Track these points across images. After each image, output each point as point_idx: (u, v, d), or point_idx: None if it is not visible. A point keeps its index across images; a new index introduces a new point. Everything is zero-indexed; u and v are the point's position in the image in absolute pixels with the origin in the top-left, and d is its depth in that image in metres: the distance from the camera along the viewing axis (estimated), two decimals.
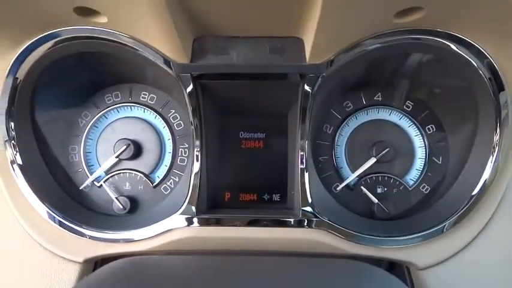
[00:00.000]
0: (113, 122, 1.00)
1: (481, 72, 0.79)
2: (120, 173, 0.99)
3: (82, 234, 0.86)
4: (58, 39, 0.80)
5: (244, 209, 0.94)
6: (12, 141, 0.86)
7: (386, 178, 0.97)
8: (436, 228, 0.84)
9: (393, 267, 0.92)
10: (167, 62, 0.82)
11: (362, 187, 0.97)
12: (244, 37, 0.81)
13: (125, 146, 0.96)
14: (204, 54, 0.82)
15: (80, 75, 0.95)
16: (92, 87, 1.00)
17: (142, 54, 0.81)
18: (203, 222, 0.86)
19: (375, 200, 0.94)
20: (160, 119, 1.00)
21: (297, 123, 0.88)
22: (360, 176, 0.97)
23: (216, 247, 0.86)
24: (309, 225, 0.85)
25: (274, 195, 0.99)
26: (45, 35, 0.80)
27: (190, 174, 0.88)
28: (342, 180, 0.98)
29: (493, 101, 0.81)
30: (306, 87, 0.84)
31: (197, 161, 0.88)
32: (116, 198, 0.96)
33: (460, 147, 0.93)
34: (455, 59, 0.80)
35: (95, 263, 0.89)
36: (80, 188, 0.98)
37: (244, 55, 0.81)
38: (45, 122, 0.93)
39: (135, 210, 0.98)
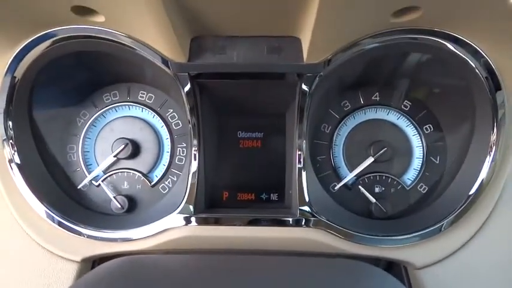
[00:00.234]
0: (111, 121, 1.00)
1: (477, 71, 0.79)
2: (118, 172, 0.99)
3: (80, 234, 0.86)
4: (56, 38, 0.80)
5: (242, 209, 0.95)
6: (10, 140, 0.86)
7: (384, 177, 0.97)
8: (433, 228, 0.84)
9: (391, 266, 0.92)
10: (165, 61, 0.82)
11: (360, 186, 0.97)
12: (242, 36, 0.81)
13: (123, 145, 0.96)
14: (201, 54, 0.82)
15: (78, 75, 0.95)
16: (90, 87, 1.00)
17: (140, 54, 0.81)
18: (201, 222, 0.86)
19: (373, 200, 0.94)
20: (159, 118, 1.00)
21: (294, 123, 0.88)
22: (358, 176, 0.97)
23: (213, 246, 0.86)
24: (307, 225, 0.85)
25: (272, 194, 0.99)
26: (42, 34, 0.80)
27: (188, 174, 0.88)
28: (339, 179, 0.98)
29: (490, 100, 0.81)
30: (304, 87, 0.84)
31: (195, 160, 0.88)
32: (114, 197, 0.96)
33: (457, 147, 0.93)
34: (452, 58, 0.80)
35: (93, 262, 0.89)
36: (78, 187, 0.98)
37: (241, 54, 0.81)
38: (43, 121, 0.93)
39: (133, 210, 0.98)
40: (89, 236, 0.86)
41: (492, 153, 0.83)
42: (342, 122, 0.99)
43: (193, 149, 0.88)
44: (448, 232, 0.85)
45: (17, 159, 0.86)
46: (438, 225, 0.84)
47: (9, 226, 0.86)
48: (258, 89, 0.91)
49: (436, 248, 0.84)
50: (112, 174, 0.99)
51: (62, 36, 0.80)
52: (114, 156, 0.96)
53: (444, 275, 0.83)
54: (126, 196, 0.97)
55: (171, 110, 1.00)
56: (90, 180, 0.98)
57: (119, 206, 0.95)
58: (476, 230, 0.84)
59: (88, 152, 1.00)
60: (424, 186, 0.97)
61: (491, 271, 0.83)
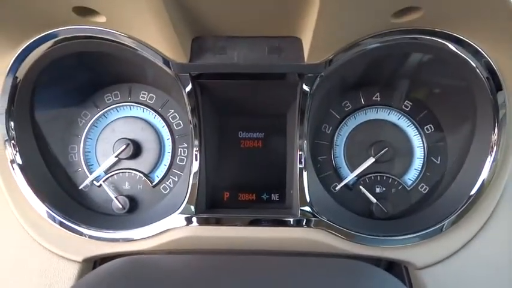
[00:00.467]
0: (112, 121, 1.00)
1: (478, 71, 0.79)
2: (120, 172, 0.99)
3: (81, 234, 0.86)
4: (57, 38, 0.81)
5: (243, 209, 0.95)
6: (12, 141, 0.86)
7: (385, 178, 0.97)
8: (434, 228, 0.84)
9: (392, 266, 0.92)
10: (166, 61, 0.82)
11: (361, 187, 0.97)
12: (243, 37, 0.82)
13: (124, 146, 0.96)
14: (202, 54, 0.82)
15: (80, 75, 0.95)
16: (91, 87, 1.00)
17: (141, 54, 0.81)
18: (202, 222, 0.86)
19: (374, 200, 0.94)
20: (160, 118, 1.00)
21: (295, 123, 0.88)
22: (359, 176, 0.97)
23: (214, 246, 0.86)
24: (308, 225, 0.85)
25: (273, 194, 0.99)
26: (44, 35, 0.80)
27: (189, 174, 0.88)
28: (340, 180, 0.98)
29: (491, 100, 0.81)
30: (305, 87, 0.84)
31: (196, 160, 0.88)
32: (115, 197, 0.96)
33: (458, 147, 0.93)
34: (453, 58, 0.80)
35: (94, 262, 0.89)
36: (80, 188, 0.98)
37: (242, 55, 0.81)
38: (45, 122, 0.93)
39: (134, 210, 0.98)
40: (90, 236, 0.86)
41: (493, 154, 0.83)
42: (343, 122, 0.99)
43: (195, 149, 0.88)
44: (449, 232, 0.84)
45: (19, 160, 0.86)
46: (439, 225, 0.84)
47: (11, 226, 0.86)
48: (259, 89, 0.91)
49: (437, 248, 0.84)
50: (113, 175, 0.99)
51: (64, 36, 0.80)
52: (116, 157, 0.96)
53: (445, 275, 0.83)
54: (128, 196, 0.97)
55: (172, 110, 1.00)
56: (92, 181, 0.98)
57: (120, 206, 0.95)
58: (477, 230, 0.84)
59: (89, 152, 1.00)
60: (425, 187, 0.97)
61: (492, 271, 0.83)
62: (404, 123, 0.99)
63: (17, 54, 0.82)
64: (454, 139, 0.94)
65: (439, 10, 0.71)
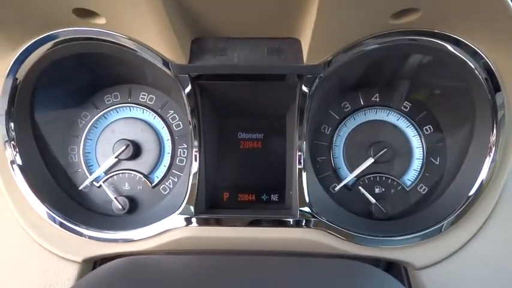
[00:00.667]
0: (112, 122, 1.00)
1: (477, 73, 0.80)
2: (119, 173, 0.99)
3: (81, 234, 0.87)
4: (57, 40, 0.81)
5: (242, 209, 0.95)
6: (12, 142, 0.86)
7: (384, 178, 0.98)
8: (433, 228, 0.84)
9: (391, 267, 0.93)
10: (165, 62, 0.82)
11: (360, 187, 0.97)
12: (242, 38, 0.82)
13: (124, 147, 0.96)
14: (202, 55, 0.82)
15: (79, 76, 0.95)
16: (91, 88, 1.00)
17: (140, 55, 0.82)
18: (201, 222, 0.86)
19: (373, 200, 0.95)
20: (159, 119, 1.00)
21: (295, 124, 0.88)
22: (358, 177, 0.98)
23: (214, 247, 0.86)
24: (307, 226, 0.85)
25: (272, 195, 0.99)
26: (44, 36, 0.80)
27: (189, 175, 0.88)
28: (340, 180, 0.98)
29: (490, 101, 0.81)
30: (304, 88, 0.84)
31: (196, 161, 0.88)
32: (115, 198, 0.96)
33: (457, 148, 0.93)
34: (452, 60, 0.80)
35: (94, 263, 0.89)
36: (80, 188, 0.99)
37: (242, 56, 0.81)
38: (44, 123, 0.93)
39: (134, 210, 0.98)
40: (90, 237, 0.86)
41: (492, 154, 0.83)
42: (342, 123, 1.00)
43: (194, 150, 0.88)
44: (448, 233, 0.85)
45: (19, 161, 0.87)
46: (438, 225, 0.84)
47: (11, 227, 0.86)
48: (259, 90, 0.91)
49: (436, 249, 0.84)
50: (113, 175, 0.99)
51: (64, 38, 0.80)
52: (115, 157, 0.96)
53: (444, 275, 0.83)
54: (127, 197, 0.97)
55: (172, 111, 1.01)
56: (92, 181, 0.99)
57: (120, 207, 0.95)
58: (476, 230, 0.84)
59: (89, 153, 1.00)
60: (424, 187, 0.98)
61: (491, 271, 0.83)
62: (403, 123, 0.99)
63: (17, 56, 0.82)
64: (453, 140, 0.95)
65: (437, 11, 0.71)
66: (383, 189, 0.98)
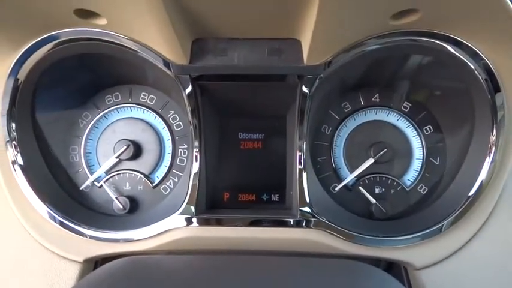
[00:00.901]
0: (113, 122, 1.01)
1: (477, 73, 0.80)
2: (120, 173, 0.99)
3: (82, 234, 0.87)
4: (58, 41, 0.81)
5: (243, 209, 0.95)
6: (13, 142, 0.86)
7: (384, 179, 0.98)
8: (433, 229, 0.84)
9: (391, 267, 0.93)
10: (166, 63, 0.82)
11: (360, 187, 0.97)
12: (243, 39, 0.82)
13: (125, 147, 0.96)
14: (202, 56, 0.82)
15: (80, 77, 0.96)
16: (92, 88, 1.00)
17: (141, 56, 0.82)
18: (202, 222, 0.86)
19: (373, 201, 0.95)
20: (160, 119, 1.01)
21: (295, 124, 0.88)
22: (358, 177, 0.98)
23: (214, 247, 0.86)
24: (308, 226, 0.86)
25: (273, 195, 0.99)
26: (45, 37, 0.80)
27: (190, 175, 0.88)
28: (340, 180, 0.98)
29: (489, 102, 0.81)
30: (304, 89, 0.84)
31: (196, 161, 0.88)
32: (115, 198, 0.96)
33: (457, 148, 0.93)
34: (451, 60, 0.81)
35: (95, 263, 0.90)
36: (80, 188, 0.99)
37: (242, 56, 0.82)
38: (46, 123, 0.93)
39: (135, 210, 0.98)
40: (91, 237, 0.87)
41: (492, 154, 0.83)
42: (342, 123, 1.00)
43: (195, 150, 0.88)
44: (448, 233, 0.85)
45: (20, 161, 0.87)
46: (438, 226, 0.84)
47: (12, 227, 0.87)
48: (259, 90, 0.91)
49: (436, 249, 0.85)
50: (114, 175, 0.99)
51: (65, 38, 0.81)
52: (116, 158, 0.96)
53: (444, 275, 0.84)
54: (128, 197, 0.97)
55: (173, 112, 1.01)
56: (93, 181, 0.99)
57: (121, 207, 0.96)
58: (476, 230, 0.84)
59: (90, 153, 1.01)
60: (424, 187, 0.98)
61: (491, 271, 0.83)
62: (403, 124, 0.99)
63: (18, 56, 0.82)
64: (453, 140, 0.95)
65: (437, 12, 0.71)
66: (383, 190, 0.98)
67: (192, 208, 0.87)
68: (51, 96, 0.93)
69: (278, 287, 0.60)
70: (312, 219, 0.86)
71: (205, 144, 0.90)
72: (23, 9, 0.72)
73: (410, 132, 0.99)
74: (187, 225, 0.86)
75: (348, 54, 0.80)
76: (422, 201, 0.96)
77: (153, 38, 0.77)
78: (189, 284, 0.61)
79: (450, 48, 0.79)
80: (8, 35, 0.78)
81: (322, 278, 0.64)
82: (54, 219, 0.87)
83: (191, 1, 0.69)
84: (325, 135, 1.00)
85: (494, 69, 0.79)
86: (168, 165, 1.00)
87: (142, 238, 0.86)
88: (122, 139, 0.97)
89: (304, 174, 0.88)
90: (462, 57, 0.79)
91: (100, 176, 0.99)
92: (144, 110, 1.01)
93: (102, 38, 0.80)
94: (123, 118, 1.01)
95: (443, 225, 0.84)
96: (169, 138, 1.01)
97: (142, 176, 0.99)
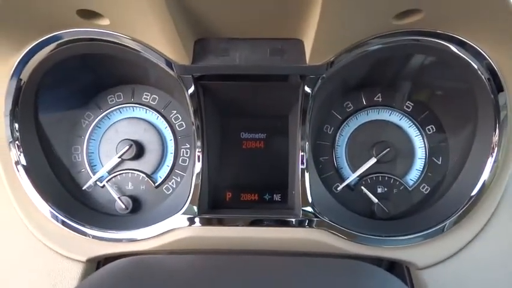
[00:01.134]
0: (115, 122, 1.01)
1: (480, 73, 0.80)
2: (123, 173, 1.00)
3: (85, 234, 0.87)
4: (61, 41, 0.81)
5: (245, 209, 0.95)
6: (16, 142, 0.87)
7: (386, 178, 0.98)
8: (436, 228, 0.84)
9: (393, 266, 0.93)
10: (169, 63, 0.82)
11: (362, 187, 0.97)
12: (245, 39, 0.82)
13: (127, 147, 0.96)
14: (205, 56, 0.82)
15: (83, 77, 0.96)
16: (94, 88, 1.00)
17: (144, 56, 0.82)
18: (205, 222, 0.87)
19: (375, 200, 0.95)
20: (162, 119, 1.01)
21: (297, 124, 0.88)
22: (360, 176, 0.98)
23: (217, 247, 0.87)
24: (310, 225, 0.86)
25: (275, 195, 0.99)
26: (48, 37, 0.81)
27: (192, 175, 0.89)
28: (342, 180, 0.99)
29: (492, 101, 0.81)
30: (306, 89, 0.84)
31: (198, 161, 0.88)
32: (118, 198, 0.96)
33: (459, 148, 0.93)
34: (455, 60, 0.81)
35: (98, 263, 0.90)
36: (83, 188, 0.99)
37: (245, 56, 0.82)
38: (48, 123, 0.94)
39: (137, 210, 0.99)
40: (94, 237, 0.87)
41: (494, 154, 0.83)
42: (345, 123, 1.00)
43: (197, 150, 0.89)
44: (451, 232, 0.85)
45: (23, 161, 0.87)
46: (441, 225, 0.84)
47: (15, 226, 0.87)
48: (261, 90, 0.91)
49: (439, 249, 0.85)
50: (116, 175, 1.00)
51: (67, 39, 0.81)
52: (119, 157, 0.97)
53: (446, 275, 0.84)
54: (131, 197, 0.97)
55: (175, 111, 1.01)
56: (95, 181, 0.99)
57: (123, 207, 0.96)
58: (479, 230, 0.84)
59: (92, 153, 1.01)
60: (426, 187, 0.98)
61: (493, 271, 0.83)
62: (406, 123, 0.99)
63: (21, 57, 0.82)
64: (456, 140, 0.95)
65: (439, 12, 0.71)
66: (385, 189, 0.98)
67: (195, 208, 0.87)
68: (53, 97, 0.94)
69: (280, 287, 0.61)
70: (314, 219, 0.86)
71: (207, 144, 0.90)
72: (26, 10, 0.72)
73: (413, 131, 0.99)
74: (190, 225, 0.86)
75: (351, 54, 0.80)
76: (425, 201, 0.96)
77: (156, 38, 0.77)
78: (192, 284, 0.61)
79: (453, 48, 0.79)
80: (11, 36, 0.79)
81: (325, 278, 0.64)
82: (56, 219, 0.87)
83: (193, 1, 0.69)
84: (327, 134, 1.00)
85: (497, 69, 0.79)
86: (170, 165, 1.00)
87: (145, 238, 0.86)
88: (124, 139, 0.97)
89: (307, 174, 0.88)
90: (465, 57, 0.79)
91: (102, 176, 0.99)
92: (147, 110, 1.01)
93: (104, 38, 0.81)
94: (125, 118, 1.01)
95: (445, 225, 0.84)
96: (172, 138, 1.01)
97: (144, 175, 1.00)
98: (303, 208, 0.86)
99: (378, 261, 0.90)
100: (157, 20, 0.71)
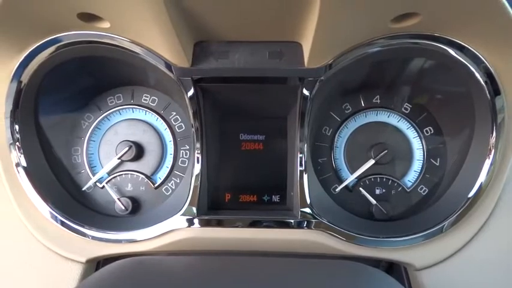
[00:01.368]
0: (115, 124, 1.01)
1: (477, 76, 0.80)
2: (122, 174, 1.00)
3: (84, 235, 0.87)
4: (61, 43, 0.81)
5: (244, 210, 0.96)
6: (17, 144, 0.87)
7: (384, 180, 0.98)
8: (434, 229, 0.85)
9: (391, 267, 0.93)
10: (168, 66, 0.83)
11: (361, 188, 0.98)
12: (244, 41, 0.82)
13: (127, 148, 0.97)
14: (204, 58, 0.83)
15: (83, 79, 0.96)
16: (94, 90, 1.01)
17: (143, 58, 0.82)
18: (204, 223, 0.87)
19: (373, 201, 0.95)
20: (162, 121, 1.01)
21: (296, 126, 0.89)
22: (359, 178, 0.98)
23: (216, 248, 0.87)
24: (308, 227, 0.86)
25: (274, 196, 1.00)
26: (48, 40, 0.81)
27: (191, 176, 0.89)
28: (340, 181, 0.99)
29: (489, 104, 0.81)
30: (305, 91, 0.85)
31: (198, 162, 0.89)
32: (118, 199, 0.97)
33: (457, 150, 0.93)
34: (452, 63, 0.81)
35: (98, 263, 0.90)
36: (83, 189, 1.00)
37: (244, 59, 0.82)
38: (48, 125, 0.94)
39: (136, 211, 0.99)
40: (93, 237, 0.87)
41: (491, 156, 0.83)
42: (343, 125, 1.00)
43: (196, 151, 0.89)
44: (448, 234, 0.85)
45: (24, 162, 0.87)
46: (438, 226, 0.85)
47: (16, 227, 0.87)
48: (260, 93, 0.91)
49: (436, 250, 0.85)
50: (116, 176, 1.00)
51: (67, 41, 0.81)
52: (118, 159, 0.97)
53: (444, 276, 0.84)
54: (130, 198, 0.98)
55: (174, 113, 1.02)
56: (95, 182, 1.00)
57: (123, 208, 0.96)
58: (476, 231, 0.84)
59: (92, 154, 1.01)
60: (424, 188, 0.98)
61: (491, 272, 0.84)
62: (404, 125, 0.99)
63: (21, 59, 0.82)
64: (454, 142, 0.95)
65: (436, 16, 0.71)
66: (383, 190, 0.98)
67: (194, 209, 0.87)
68: (54, 98, 0.94)
69: None
70: (313, 220, 0.86)
71: (206, 145, 0.91)
72: (27, 13, 0.72)
73: (411, 133, 0.99)
74: (189, 226, 0.87)
75: (349, 57, 0.81)
76: (423, 202, 0.97)
77: (156, 41, 0.78)
78: (191, 285, 0.61)
79: (450, 51, 0.79)
80: (11, 38, 0.79)
81: (323, 279, 0.64)
82: (56, 219, 0.87)
83: (193, 5, 0.69)
84: (326, 136, 1.01)
85: (494, 72, 0.80)
86: (169, 166, 1.01)
87: (144, 239, 0.87)
88: (124, 140, 0.98)
89: (305, 176, 0.88)
90: (462, 60, 0.80)
91: (102, 177, 1.00)
92: (146, 111, 1.02)
93: (104, 41, 0.81)
94: (125, 119, 1.01)
95: (443, 226, 0.85)
96: (171, 139, 1.01)
97: (144, 177, 1.00)
98: (301, 209, 0.87)
99: (376, 262, 0.90)
100: (157, 23, 0.71)
